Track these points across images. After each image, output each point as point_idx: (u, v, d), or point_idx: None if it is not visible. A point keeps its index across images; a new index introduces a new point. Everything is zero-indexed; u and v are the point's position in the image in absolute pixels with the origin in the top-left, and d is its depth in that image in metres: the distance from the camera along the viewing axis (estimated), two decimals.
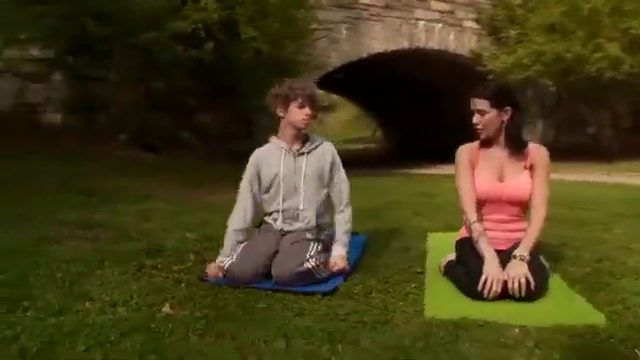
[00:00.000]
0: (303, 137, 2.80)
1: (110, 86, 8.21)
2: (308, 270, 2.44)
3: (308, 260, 2.48)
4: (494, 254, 2.38)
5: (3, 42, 6.56)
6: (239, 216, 2.76)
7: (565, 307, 2.21)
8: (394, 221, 4.23)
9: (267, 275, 2.49)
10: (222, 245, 2.71)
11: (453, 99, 12.56)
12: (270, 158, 2.77)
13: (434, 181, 8.25)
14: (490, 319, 2.01)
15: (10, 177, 5.14)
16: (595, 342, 1.85)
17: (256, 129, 9.79)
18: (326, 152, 2.82)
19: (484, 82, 2.60)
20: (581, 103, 10.88)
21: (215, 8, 6.37)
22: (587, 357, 1.75)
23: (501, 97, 2.57)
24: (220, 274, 2.48)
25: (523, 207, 2.60)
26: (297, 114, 2.71)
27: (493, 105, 2.53)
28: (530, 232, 2.52)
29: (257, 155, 2.83)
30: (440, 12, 11.02)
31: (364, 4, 10.63)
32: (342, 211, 2.83)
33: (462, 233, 2.69)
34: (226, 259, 2.55)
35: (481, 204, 2.59)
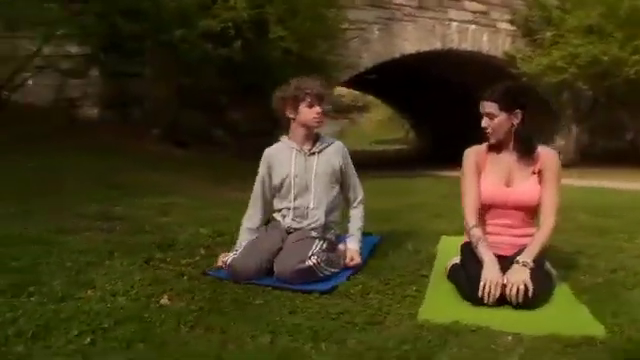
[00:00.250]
0: (314, 137, 2.83)
1: (144, 82, 8.42)
2: (309, 267, 2.46)
3: (310, 257, 2.49)
4: (493, 258, 2.34)
5: (43, 38, 6.79)
6: (252, 214, 2.85)
7: (565, 317, 2.15)
8: (412, 223, 4.21)
9: (270, 272, 2.52)
10: (235, 242, 2.79)
11: None
12: (281, 157, 2.81)
13: None
14: (484, 325, 1.98)
15: (46, 169, 5.35)
16: (589, 354, 1.80)
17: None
18: (337, 151, 2.85)
19: (494, 85, 2.53)
20: (619, 107, 10.54)
21: (245, 7, 6.45)
22: None
23: (510, 100, 2.51)
24: (220, 266, 2.54)
25: (530, 213, 2.54)
26: (308, 114, 2.73)
27: (502, 108, 2.48)
28: (536, 239, 2.47)
29: (268, 153, 2.87)
30: (474, 13, 10.84)
31: (397, 4, 10.55)
32: (356, 207, 2.91)
33: (467, 236, 2.66)
34: (230, 254, 2.59)
35: (487, 208, 2.55)
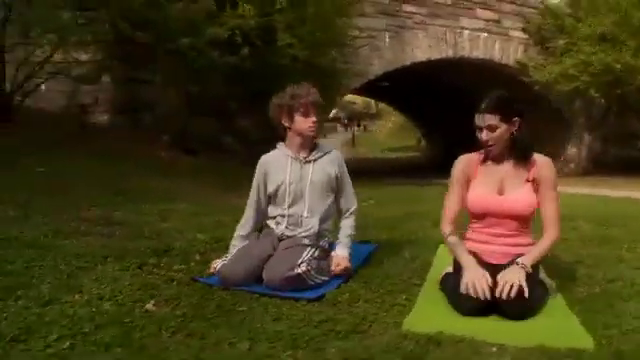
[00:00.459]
0: (311, 145, 2.83)
1: (155, 89, 8.51)
2: (298, 275, 2.45)
3: (299, 265, 2.49)
4: (471, 259, 2.35)
5: (54, 45, 6.90)
6: (246, 221, 2.86)
7: (554, 328, 2.11)
8: (413, 231, 4.18)
9: (260, 278, 2.51)
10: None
11: None
12: (277, 164, 2.81)
13: None
14: (469, 335, 1.95)
15: (53, 174, 5.41)
16: None
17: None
18: (333, 160, 2.85)
19: (487, 96, 2.48)
20: (631, 115, 10.38)
21: (253, 15, 6.49)
22: None
23: (509, 109, 2.47)
24: (211, 271, 2.54)
25: (524, 221, 2.50)
26: (303, 123, 2.73)
27: (503, 119, 2.43)
28: (538, 247, 2.46)
29: (265, 160, 2.88)
30: (486, 21, 10.79)
31: (408, 12, 10.55)
32: (347, 217, 2.89)
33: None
34: (220, 260, 2.60)
35: (480, 217, 2.52)
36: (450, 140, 17.08)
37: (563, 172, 11.36)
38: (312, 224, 2.73)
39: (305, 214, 2.74)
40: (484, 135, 2.45)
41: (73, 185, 5.00)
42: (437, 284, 2.63)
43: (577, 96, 10.19)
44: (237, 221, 2.95)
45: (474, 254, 2.45)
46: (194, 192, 6.02)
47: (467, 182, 2.54)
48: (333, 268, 2.66)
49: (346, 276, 2.66)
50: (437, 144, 18.41)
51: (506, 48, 10.95)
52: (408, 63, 10.76)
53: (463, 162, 2.57)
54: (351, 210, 2.93)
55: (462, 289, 2.23)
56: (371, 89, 16.63)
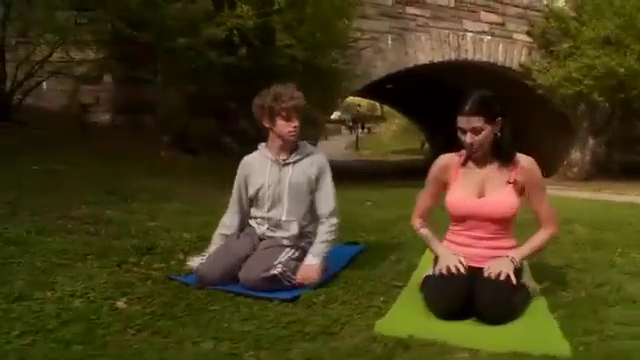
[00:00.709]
0: (292, 147, 2.76)
1: (156, 89, 8.52)
2: (274, 276, 2.42)
3: (276, 266, 2.46)
4: (445, 247, 2.42)
5: (54, 44, 6.93)
6: (227, 221, 2.83)
7: (531, 333, 2.06)
8: (402, 233, 4.12)
9: (238, 278, 2.48)
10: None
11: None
12: (257, 167, 2.77)
13: None
14: (442, 340, 1.91)
15: (49, 173, 5.41)
16: None
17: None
18: (314, 163, 2.75)
19: (468, 96, 2.39)
20: (635, 120, 10.29)
21: (251, 15, 6.49)
22: None
23: (493, 110, 2.42)
24: (187, 271, 2.51)
25: (505, 224, 2.45)
26: (284, 127, 2.66)
27: (487, 121, 2.38)
28: (531, 241, 2.46)
29: (246, 161, 2.85)
30: (490, 24, 10.72)
31: (411, 14, 10.50)
32: (323, 222, 2.73)
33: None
34: (198, 259, 2.57)
35: (461, 220, 2.48)
36: (453, 144, 17.00)
37: (566, 176, 11.26)
38: (291, 226, 2.69)
39: (284, 218, 2.69)
40: (468, 138, 2.38)
41: (67, 184, 4.99)
42: (419, 287, 2.60)
43: (581, 100, 10.10)
44: None
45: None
46: (190, 192, 6.00)
47: (445, 184, 2.50)
48: (298, 278, 2.51)
49: (325, 279, 2.62)
50: (440, 147, 18.20)
51: (510, 51, 10.88)
52: (411, 66, 10.70)
53: (443, 163, 2.53)
54: (327, 214, 2.73)
55: (436, 271, 2.26)
56: (375, 91, 16.59)
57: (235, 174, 2.93)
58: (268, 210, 2.72)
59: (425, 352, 1.80)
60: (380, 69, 10.56)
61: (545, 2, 11.08)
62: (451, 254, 2.38)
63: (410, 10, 10.45)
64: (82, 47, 7.21)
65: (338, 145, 27.16)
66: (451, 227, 2.56)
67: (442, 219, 2.67)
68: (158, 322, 1.91)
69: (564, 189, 8.95)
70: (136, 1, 5.80)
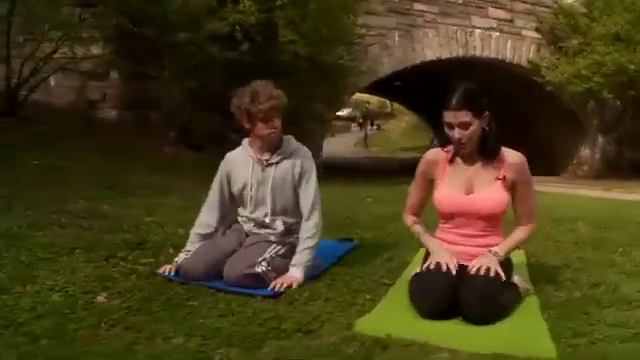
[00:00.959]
0: (274, 145, 2.65)
1: (162, 85, 8.52)
2: (257, 274, 2.38)
3: (260, 263, 2.42)
4: (437, 242, 2.39)
5: (58, 40, 6.95)
6: (205, 219, 2.73)
7: (518, 334, 2.00)
8: (397, 230, 4.07)
9: (222, 274, 2.44)
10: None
11: (508, 109, 12.05)
12: (240, 165, 2.69)
13: None
14: (422, 340, 1.85)
15: (50, 167, 5.42)
16: None
17: (304, 133, 9.86)
18: (297, 161, 2.65)
19: (454, 90, 2.30)
20: None
21: (253, 10, 6.45)
22: None
23: (481, 103, 2.36)
24: (168, 270, 2.46)
25: (494, 221, 2.39)
26: (263, 129, 2.57)
27: (475, 115, 2.33)
28: (512, 237, 2.42)
29: (229, 157, 2.77)
30: (498, 20, 10.57)
31: (419, 10, 10.40)
32: (305, 224, 2.61)
33: None
34: (182, 255, 2.55)
35: (449, 217, 2.42)
36: None
37: (576, 174, 11.10)
38: (276, 225, 2.63)
39: (268, 219, 2.63)
40: (456, 133, 2.32)
41: (67, 179, 4.99)
42: (407, 285, 2.55)
43: (590, 97, 9.92)
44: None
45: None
46: (191, 188, 5.96)
47: (432, 180, 2.45)
48: (278, 281, 2.39)
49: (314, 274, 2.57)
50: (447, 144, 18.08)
51: (518, 48, 10.73)
52: (418, 62, 10.59)
53: (431, 159, 2.48)
54: (308, 214, 2.62)
55: (424, 268, 2.23)
56: (384, 89, 16.50)
57: None
58: (252, 212, 2.66)
59: (403, 352, 1.75)
60: (387, 66, 10.47)
61: None
62: (444, 251, 2.35)
63: (418, 6, 10.35)
64: (86, 43, 7.23)
65: (347, 142, 27.06)
66: (440, 224, 2.51)
67: (433, 217, 2.62)
68: (133, 317, 1.88)
69: (574, 187, 8.82)
70: None
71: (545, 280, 2.76)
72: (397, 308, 2.22)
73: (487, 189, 2.35)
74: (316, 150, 10.33)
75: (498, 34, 10.62)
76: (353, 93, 11.93)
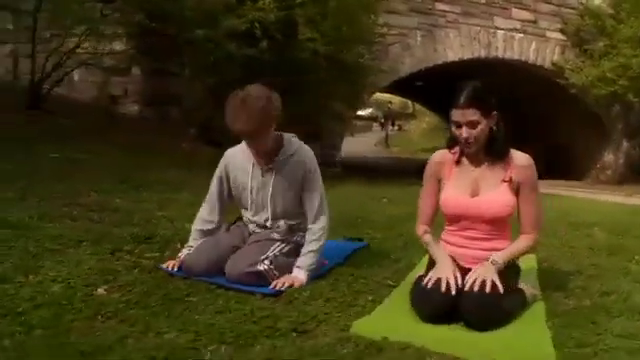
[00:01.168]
0: (272, 149, 2.54)
1: (182, 81, 8.59)
2: (259, 272, 2.36)
3: (263, 261, 2.40)
4: (446, 255, 2.28)
5: (81, 35, 7.06)
6: (206, 215, 2.70)
7: (518, 341, 1.95)
8: (408, 231, 4.02)
9: (224, 270, 2.43)
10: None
11: (531, 111, 11.84)
12: (240, 166, 2.62)
13: None
14: (419, 344, 1.82)
15: (67, 161, 5.51)
16: None
17: (324, 131, 9.84)
18: (299, 163, 2.56)
19: (462, 88, 2.25)
20: None
21: (273, 8, 6.46)
22: None
23: (489, 102, 2.31)
24: (172, 265, 2.46)
25: (500, 224, 2.33)
26: (249, 144, 2.52)
27: (484, 114, 2.28)
28: (513, 246, 2.33)
29: (230, 154, 2.70)
30: (521, 21, 10.43)
31: (441, 10, 10.32)
32: (310, 227, 2.56)
33: None
34: (185, 250, 2.55)
35: (454, 220, 2.37)
36: None
37: (599, 179, 10.88)
38: (279, 225, 2.59)
39: (269, 223, 2.60)
40: (464, 132, 2.27)
41: (83, 172, 5.06)
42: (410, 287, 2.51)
43: (615, 101, 9.72)
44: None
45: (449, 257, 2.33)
46: (206, 184, 5.95)
47: (439, 180, 2.40)
48: (280, 280, 2.37)
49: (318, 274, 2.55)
50: None
51: (542, 49, 10.55)
52: (439, 62, 10.53)
53: (437, 161, 2.43)
54: (314, 217, 2.56)
55: (425, 281, 2.14)
56: (405, 88, 16.40)
57: None
58: (253, 215, 2.64)
59: (398, 355, 1.72)
60: (408, 65, 10.43)
61: None
62: (448, 265, 2.24)
63: (440, 6, 10.28)
64: (109, 39, 7.32)
65: (368, 142, 26.96)
66: (446, 227, 2.46)
67: (441, 219, 2.57)
68: (130, 310, 1.89)
69: (595, 192, 8.64)
70: None
71: (555, 286, 2.69)
72: (397, 311, 2.18)
73: (493, 191, 2.30)
74: (335, 149, 10.31)
75: (522, 35, 10.48)
76: (373, 92, 11.89)
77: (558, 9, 10.56)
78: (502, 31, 10.43)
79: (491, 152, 2.32)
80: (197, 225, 2.69)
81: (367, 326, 1.95)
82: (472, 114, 2.23)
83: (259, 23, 6.45)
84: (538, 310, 2.31)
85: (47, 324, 1.69)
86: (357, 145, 21.62)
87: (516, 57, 10.51)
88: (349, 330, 1.91)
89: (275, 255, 2.47)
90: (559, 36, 10.56)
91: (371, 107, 32.11)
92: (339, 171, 10.41)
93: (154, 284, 2.23)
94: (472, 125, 2.25)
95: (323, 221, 2.57)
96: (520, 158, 2.32)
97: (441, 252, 2.33)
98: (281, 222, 2.59)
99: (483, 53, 10.42)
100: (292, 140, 2.62)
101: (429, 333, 1.96)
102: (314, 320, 1.96)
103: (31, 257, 2.41)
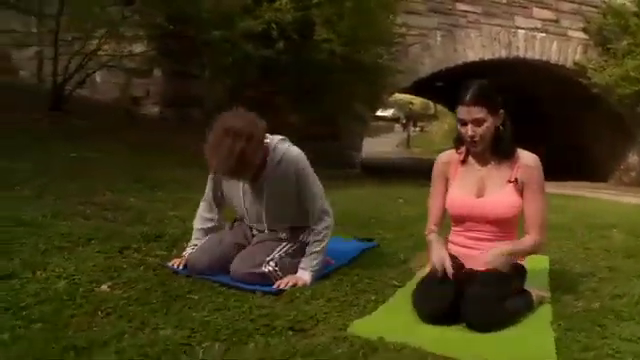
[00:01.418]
0: (259, 163, 2.43)
1: (203, 83, 8.67)
2: (263, 273, 2.36)
3: (268, 262, 2.40)
4: (439, 246, 2.29)
5: (103, 37, 7.17)
6: (206, 213, 2.71)
7: (519, 344, 1.92)
8: (420, 232, 3.98)
9: (227, 268, 2.44)
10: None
11: (553, 111, 11.63)
12: (231, 181, 2.57)
13: None
14: (416, 345, 1.80)
15: (85, 160, 5.59)
16: None
17: (343, 132, 9.82)
18: (288, 166, 2.48)
19: (468, 86, 2.25)
20: None
21: (289, 9, 6.48)
22: None
23: (495, 100, 2.29)
24: (177, 264, 2.48)
25: (506, 225, 2.30)
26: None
27: (490, 112, 2.26)
28: (516, 243, 2.31)
29: None
30: (543, 21, 10.25)
31: (462, 10, 10.22)
32: (313, 228, 2.53)
33: None
34: (189, 249, 2.57)
35: (459, 221, 2.35)
36: None
37: (622, 181, 10.64)
38: (279, 229, 2.58)
39: (267, 231, 2.58)
40: (469, 130, 2.25)
41: (100, 171, 5.13)
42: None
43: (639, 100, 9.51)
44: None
45: (454, 258, 2.30)
46: None
47: (447, 181, 2.38)
48: (284, 280, 2.36)
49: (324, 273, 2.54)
50: None
51: (564, 49, 10.36)
52: (460, 63, 10.42)
53: (444, 162, 2.42)
54: (316, 218, 2.53)
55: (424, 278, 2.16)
56: (425, 89, 16.27)
57: None
58: (250, 222, 2.64)
59: (393, 356, 1.70)
60: (428, 66, 10.35)
61: None
62: (440, 255, 2.24)
63: (460, 6, 10.18)
64: (130, 41, 7.43)
65: (390, 142, 26.83)
66: (452, 227, 2.45)
67: (449, 219, 2.54)
68: (130, 307, 1.91)
69: (618, 194, 8.45)
70: None
71: (566, 288, 2.64)
72: (398, 311, 2.17)
73: (498, 192, 2.27)
74: (354, 149, 10.28)
75: (543, 35, 10.31)
76: (393, 93, 11.84)
77: (580, 8, 10.36)
78: (523, 31, 10.28)
79: (497, 151, 2.29)
80: (198, 224, 2.71)
81: (365, 326, 1.94)
82: (478, 112, 2.22)
83: (276, 24, 6.48)
84: (544, 312, 2.27)
85: (47, 319, 1.73)
86: (379, 146, 21.54)
87: (537, 57, 10.34)
88: (347, 330, 1.90)
89: (280, 256, 2.46)
90: (581, 35, 10.36)
91: (392, 108, 31.99)
92: (358, 172, 10.40)
93: (157, 281, 2.25)
94: (478, 123, 2.23)
95: (326, 221, 2.55)
96: (527, 157, 2.29)
97: (436, 245, 2.32)
98: (282, 227, 2.58)
99: (504, 53, 10.28)
100: (278, 147, 2.50)
101: (427, 334, 1.95)
102: (312, 319, 1.96)
103: (40, 254, 2.45)
